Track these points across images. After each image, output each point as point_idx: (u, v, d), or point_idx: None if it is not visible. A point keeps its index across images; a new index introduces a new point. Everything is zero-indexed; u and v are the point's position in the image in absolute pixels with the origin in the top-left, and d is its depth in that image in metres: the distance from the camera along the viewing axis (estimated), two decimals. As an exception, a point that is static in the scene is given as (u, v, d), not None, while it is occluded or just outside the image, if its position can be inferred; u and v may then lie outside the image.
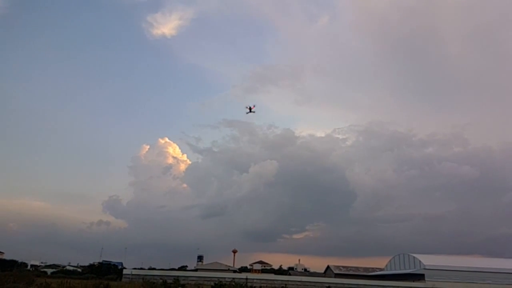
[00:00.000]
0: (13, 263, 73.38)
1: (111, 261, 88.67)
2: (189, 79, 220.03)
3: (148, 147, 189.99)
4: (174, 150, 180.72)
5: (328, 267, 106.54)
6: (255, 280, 50.49)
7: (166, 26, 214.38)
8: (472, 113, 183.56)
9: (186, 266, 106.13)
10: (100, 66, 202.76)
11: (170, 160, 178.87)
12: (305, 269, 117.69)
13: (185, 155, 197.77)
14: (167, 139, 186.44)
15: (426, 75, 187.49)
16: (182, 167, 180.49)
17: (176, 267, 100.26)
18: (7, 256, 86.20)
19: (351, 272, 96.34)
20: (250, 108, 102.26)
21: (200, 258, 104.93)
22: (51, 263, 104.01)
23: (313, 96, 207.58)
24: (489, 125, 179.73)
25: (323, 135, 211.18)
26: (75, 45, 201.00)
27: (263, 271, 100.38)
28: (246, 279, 46.58)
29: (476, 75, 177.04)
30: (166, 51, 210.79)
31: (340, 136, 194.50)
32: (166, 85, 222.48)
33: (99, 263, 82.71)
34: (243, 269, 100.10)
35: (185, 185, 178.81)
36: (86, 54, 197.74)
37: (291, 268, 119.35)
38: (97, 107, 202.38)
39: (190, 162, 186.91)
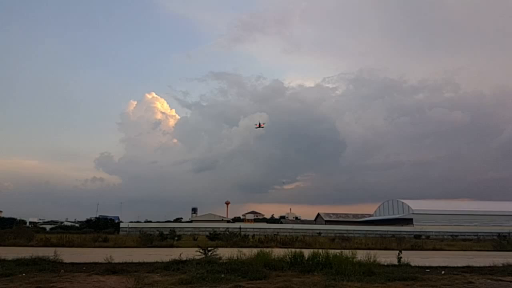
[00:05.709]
0: (12, 221, 74.79)
1: (107, 216, 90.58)
2: (172, 29, 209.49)
3: (135, 103, 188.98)
4: (162, 105, 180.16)
5: (318, 214, 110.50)
6: (248, 229, 52.61)
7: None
8: (464, 57, 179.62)
9: (181, 218, 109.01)
10: (78, 21, 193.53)
11: (159, 116, 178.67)
12: (296, 218, 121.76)
13: (173, 110, 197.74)
14: (154, 94, 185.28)
15: (417, 18, 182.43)
16: (171, 122, 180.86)
17: (172, 220, 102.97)
18: (5, 214, 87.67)
19: (340, 219, 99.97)
20: (259, 125, 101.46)
21: (194, 210, 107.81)
22: (49, 219, 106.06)
23: (302, 44, 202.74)
24: (481, 69, 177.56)
25: (312, 84, 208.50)
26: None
27: (256, 220, 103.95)
28: (240, 228, 48.67)
29: (469, 18, 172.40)
30: (146, 0, 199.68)
31: (330, 85, 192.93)
32: (148, 37, 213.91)
33: (96, 218, 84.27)
34: (236, 220, 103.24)
35: (175, 140, 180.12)
36: (64, 8, 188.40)
37: (282, 217, 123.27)
38: (79, 63, 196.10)
39: (179, 117, 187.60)
